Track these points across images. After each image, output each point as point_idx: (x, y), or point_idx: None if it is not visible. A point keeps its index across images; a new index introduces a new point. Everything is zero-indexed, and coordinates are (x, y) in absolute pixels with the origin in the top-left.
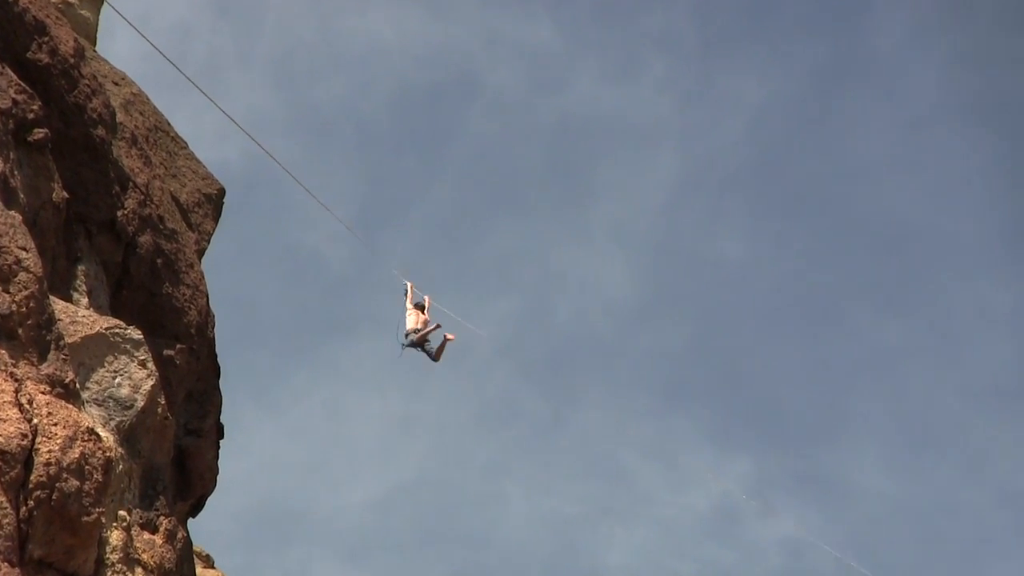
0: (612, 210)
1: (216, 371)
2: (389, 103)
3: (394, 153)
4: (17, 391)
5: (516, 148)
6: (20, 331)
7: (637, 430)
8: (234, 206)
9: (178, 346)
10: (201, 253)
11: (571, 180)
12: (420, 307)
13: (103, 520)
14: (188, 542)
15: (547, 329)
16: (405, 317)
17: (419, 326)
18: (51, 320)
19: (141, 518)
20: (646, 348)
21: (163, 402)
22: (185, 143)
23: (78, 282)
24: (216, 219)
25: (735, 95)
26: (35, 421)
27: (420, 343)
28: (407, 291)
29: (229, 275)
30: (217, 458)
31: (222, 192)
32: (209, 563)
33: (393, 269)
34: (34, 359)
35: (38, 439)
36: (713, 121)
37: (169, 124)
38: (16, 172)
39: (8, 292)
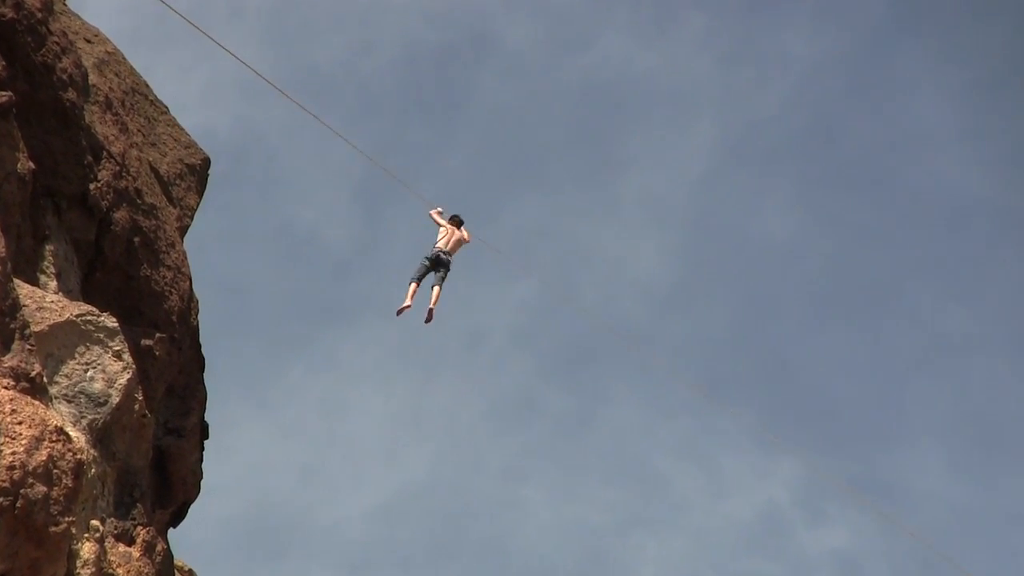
0: (644, 183)
1: (200, 363)
2: (395, 64)
3: (400, 120)
4: None
5: (536, 114)
6: None
7: (672, 429)
8: (221, 178)
9: (158, 335)
10: (183, 231)
11: (598, 150)
12: (457, 222)
13: (73, 530)
14: (168, 555)
15: (571, 315)
16: (438, 235)
17: (449, 248)
18: (15, 306)
19: (116, 528)
20: (682, 337)
21: (141, 398)
22: (166, 108)
23: (46, 263)
24: (200, 193)
25: (782, 54)
26: None
27: (439, 263)
28: (435, 220)
29: (215, 256)
30: (201, 461)
31: (207, 162)
32: None
33: (423, 198)
34: None
35: (1, 440)
36: (757, 83)
37: (148, 86)
38: None
39: None
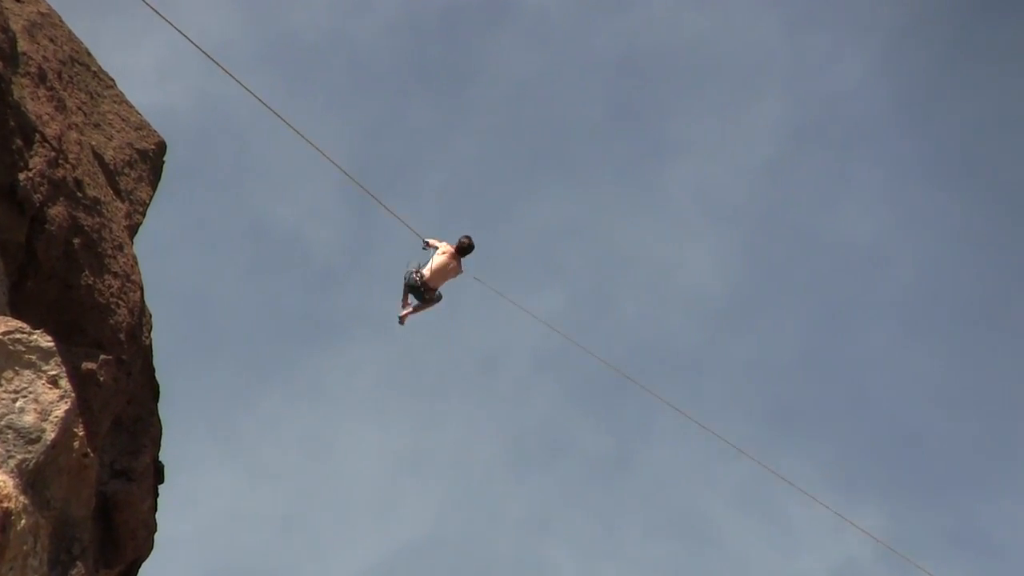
0: (696, 173)
1: (154, 391)
2: (394, 30)
3: (402, 97)
4: None
5: (564, 90)
6: None
7: (728, 471)
8: (180, 167)
9: (102, 357)
10: (133, 230)
11: (640, 133)
12: (463, 248)
13: None
14: None
15: (608, 331)
16: (432, 256)
17: (430, 279)
18: None
19: None
20: (742, 359)
21: (81, 434)
22: (112, 81)
23: None
24: (154, 184)
25: (862, 18)
26: None
27: (425, 292)
28: (427, 244)
29: (173, 261)
30: (155, 510)
31: (162, 147)
32: None
33: (416, 233)
34: None
35: None
36: (832, 53)
37: (91, 55)
38: None
39: None
